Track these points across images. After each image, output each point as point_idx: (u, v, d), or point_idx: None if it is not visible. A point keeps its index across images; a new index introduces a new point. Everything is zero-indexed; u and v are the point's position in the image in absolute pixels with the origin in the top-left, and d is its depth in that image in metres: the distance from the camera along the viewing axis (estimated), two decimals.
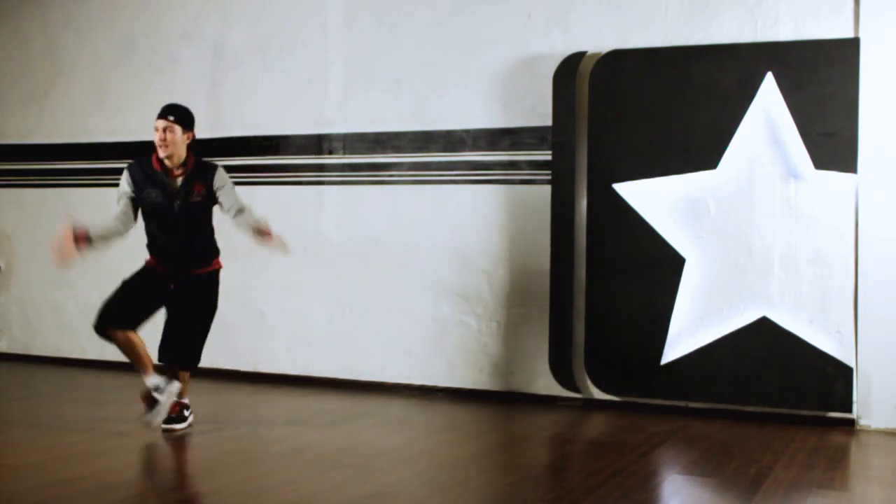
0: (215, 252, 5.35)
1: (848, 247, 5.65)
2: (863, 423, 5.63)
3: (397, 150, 6.76)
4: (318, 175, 7.01)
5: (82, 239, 4.95)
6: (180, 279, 5.22)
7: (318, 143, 7.00)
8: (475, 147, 6.54)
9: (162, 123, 5.11)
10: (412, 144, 6.72)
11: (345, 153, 6.92)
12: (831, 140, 5.64)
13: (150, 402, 5.13)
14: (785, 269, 5.75)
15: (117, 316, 5.12)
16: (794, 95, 5.70)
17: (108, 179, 7.71)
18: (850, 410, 5.61)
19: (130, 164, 5.26)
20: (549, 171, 6.27)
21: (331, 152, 6.97)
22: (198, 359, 5.31)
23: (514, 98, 6.43)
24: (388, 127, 6.78)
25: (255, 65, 7.20)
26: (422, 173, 6.70)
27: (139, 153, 7.53)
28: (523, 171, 6.41)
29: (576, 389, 6.21)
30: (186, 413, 5.31)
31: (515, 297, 6.44)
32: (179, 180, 5.16)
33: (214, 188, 5.19)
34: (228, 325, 7.02)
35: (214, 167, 5.26)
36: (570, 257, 6.18)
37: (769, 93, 5.74)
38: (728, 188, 5.86)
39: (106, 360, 7.62)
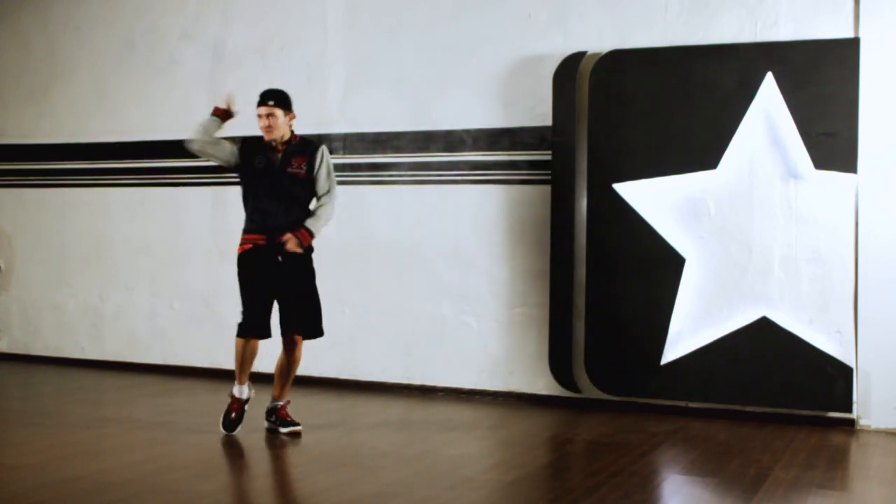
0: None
1: (848, 247, 5.65)
2: (863, 423, 5.63)
3: (397, 150, 6.76)
4: None
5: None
6: (282, 250, 5.21)
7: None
8: (475, 147, 6.54)
9: (264, 110, 5.25)
10: (412, 144, 6.72)
11: (345, 153, 6.92)
12: (831, 140, 5.64)
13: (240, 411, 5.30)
14: (785, 269, 5.75)
15: (259, 326, 5.22)
16: (794, 95, 5.70)
17: (109, 179, 7.72)
18: (850, 410, 5.61)
19: (242, 141, 5.41)
20: (548, 171, 6.27)
21: (331, 152, 6.95)
22: (321, 328, 5.34)
23: (514, 98, 6.43)
24: (388, 127, 6.78)
25: (255, 65, 7.19)
26: (422, 173, 6.70)
27: (139, 153, 7.59)
28: (523, 171, 6.41)
29: (576, 389, 6.20)
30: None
31: (515, 297, 6.44)
32: (280, 155, 5.28)
33: (315, 165, 5.30)
34: (229, 324, 7.00)
35: (317, 145, 5.38)
36: (570, 257, 6.18)
37: (769, 93, 5.74)
38: (728, 188, 5.85)
39: (106, 360, 7.64)
